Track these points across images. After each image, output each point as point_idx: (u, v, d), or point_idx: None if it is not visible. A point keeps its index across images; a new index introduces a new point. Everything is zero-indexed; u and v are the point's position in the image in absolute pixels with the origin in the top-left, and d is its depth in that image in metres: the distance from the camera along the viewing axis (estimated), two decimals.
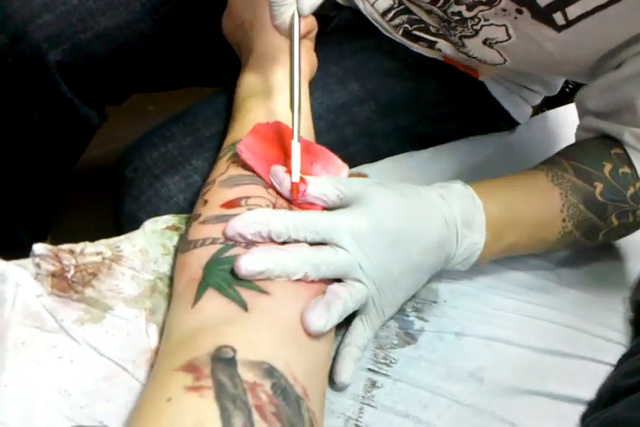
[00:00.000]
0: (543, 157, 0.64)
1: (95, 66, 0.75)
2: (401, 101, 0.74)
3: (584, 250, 0.68)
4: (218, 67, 0.82)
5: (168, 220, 0.54)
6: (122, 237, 0.51)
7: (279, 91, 0.58)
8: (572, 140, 0.68)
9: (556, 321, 0.62)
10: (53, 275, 0.45)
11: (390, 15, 0.72)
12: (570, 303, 0.64)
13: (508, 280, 0.63)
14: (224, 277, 0.44)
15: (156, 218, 0.54)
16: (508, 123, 0.82)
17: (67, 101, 0.75)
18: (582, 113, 0.66)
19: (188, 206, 0.61)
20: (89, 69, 0.75)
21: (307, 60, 0.63)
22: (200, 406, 0.36)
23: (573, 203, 0.57)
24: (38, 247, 0.47)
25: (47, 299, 0.44)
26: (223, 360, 0.38)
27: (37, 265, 0.45)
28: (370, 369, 0.52)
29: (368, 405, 0.50)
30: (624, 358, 0.61)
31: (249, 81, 0.59)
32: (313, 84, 0.66)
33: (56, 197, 0.93)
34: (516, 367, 0.57)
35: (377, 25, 0.75)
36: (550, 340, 0.60)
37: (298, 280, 0.45)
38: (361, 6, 0.75)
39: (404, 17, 0.70)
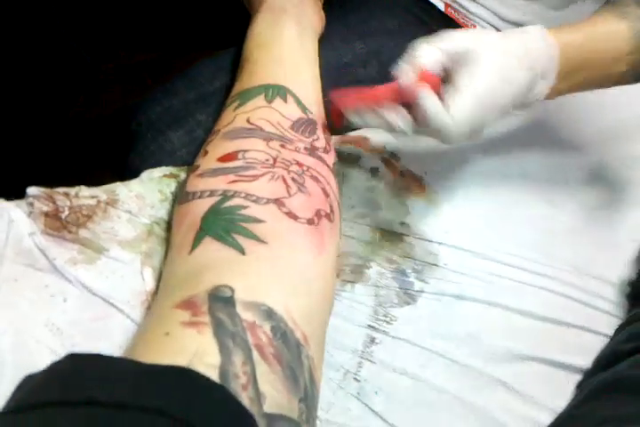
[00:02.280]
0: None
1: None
2: None
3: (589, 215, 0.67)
4: (220, 29, 0.81)
5: (165, 169, 0.53)
6: (117, 183, 0.50)
7: (288, 41, 0.57)
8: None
9: (553, 290, 0.61)
10: (46, 214, 0.44)
11: None
12: (567, 272, 0.64)
13: (508, 241, 0.62)
14: (222, 225, 0.43)
15: (153, 169, 0.53)
16: None
17: (62, 35, 0.74)
18: None
19: (192, 160, 0.60)
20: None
21: (317, 16, 0.62)
22: (198, 341, 0.35)
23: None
24: (32, 189, 0.46)
25: (40, 237, 0.42)
26: (221, 299, 0.37)
27: (30, 204, 0.44)
28: (370, 326, 0.51)
29: (367, 360, 0.49)
30: (621, 328, 0.61)
31: (258, 31, 0.58)
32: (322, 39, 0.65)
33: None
34: (513, 333, 0.57)
35: None
36: (547, 308, 0.60)
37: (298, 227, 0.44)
38: None
39: None
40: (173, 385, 0.31)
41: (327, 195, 0.48)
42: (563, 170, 0.72)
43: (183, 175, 0.52)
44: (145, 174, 0.52)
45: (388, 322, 0.52)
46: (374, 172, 0.61)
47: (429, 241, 0.59)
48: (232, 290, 0.38)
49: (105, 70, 0.86)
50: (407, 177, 0.62)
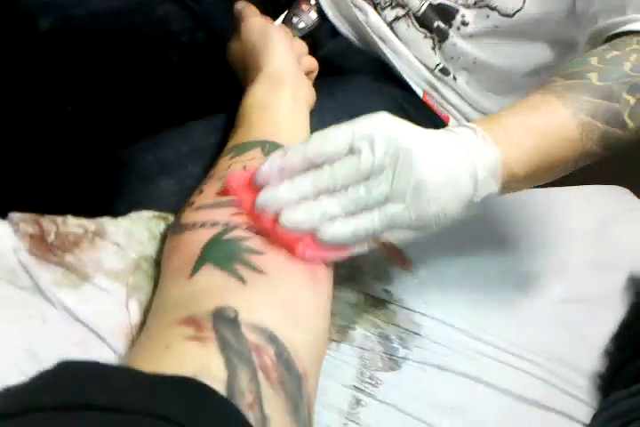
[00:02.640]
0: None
1: (82, 47, 0.75)
2: None
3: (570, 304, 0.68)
4: (208, 94, 0.83)
5: (154, 212, 0.51)
6: (105, 217, 0.48)
7: (284, 107, 0.59)
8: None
9: (534, 374, 0.61)
10: (32, 236, 0.41)
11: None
12: (546, 359, 0.63)
13: (489, 322, 0.61)
14: (224, 255, 0.41)
15: (142, 211, 0.51)
16: None
17: (45, 74, 0.74)
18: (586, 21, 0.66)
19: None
20: (75, 49, 0.74)
21: (309, 90, 0.65)
22: (203, 354, 0.32)
23: (574, 97, 0.52)
24: (15, 215, 0.43)
25: (24, 255, 0.40)
26: (225, 319, 0.35)
27: (16, 224, 0.41)
28: (355, 387, 0.48)
29: (353, 421, 0.46)
30: (595, 416, 0.60)
31: (256, 94, 0.60)
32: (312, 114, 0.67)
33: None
34: (497, 411, 0.55)
35: (376, 39, 0.78)
36: (529, 390, 0.59)
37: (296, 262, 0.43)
38: (362, 18, 0.78)
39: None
40: (179, 394, 0.28)
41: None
42: (537, 262, 0.74)
43: (172, 219, 0.51)
44: (133, 214, 0.50)
45: (373, 385, 0.49)
46: None
47: (412, 311, 0.58)
48: (236, 312, 0.36)
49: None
50: (389, 248, 0.62)
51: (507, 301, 0.66)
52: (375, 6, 0.79)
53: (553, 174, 0.54)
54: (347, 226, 0.43)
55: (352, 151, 0.43)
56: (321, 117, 0.70)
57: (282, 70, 0.62)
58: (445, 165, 0.45)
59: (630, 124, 0.53)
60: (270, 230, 0.42)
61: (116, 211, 0.57)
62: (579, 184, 0.93)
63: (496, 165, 0.47)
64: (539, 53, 0.77)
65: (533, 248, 0.76)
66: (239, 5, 0.70)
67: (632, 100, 0.53)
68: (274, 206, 0.43)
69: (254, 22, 0.66)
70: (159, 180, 0.61)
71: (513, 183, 0.50)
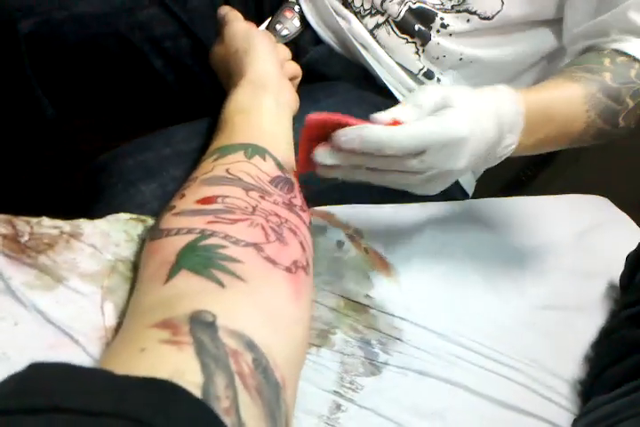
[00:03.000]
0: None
1: (64, 50, 0.74)
2: None
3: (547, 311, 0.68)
4: (191, 99, 0.82)
5: (132, 215, 0.50)
6: (82, 219, 0.47)
7: (267, 111, 0.58)
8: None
9: (513, 379, 0.61)
10: (5, 236, 0.40)
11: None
12: (526, 365, 0.63)
13: (468, 327, 0.61)
14: (200, 261, 0.40)
15: (120, 213, 0.50)
16: (459, 190, 0.85)
17: (25, 78, 0.73)
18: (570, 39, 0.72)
19: None
20: (56, 53, 0.73)
21: (292, 96, 0.65)
22: (178, 358, 0.31)
23: (592, 93, 0.60)
24: None
25: None
26: (203, 323, 0.34)
27: None
28: (336, 391, 0.48)
29: (332, 426, 0.45)
30: (578, 418, 0.60)
31: (239, 99, 0.59)
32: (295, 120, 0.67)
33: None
34: (477, 416, 0.55)
35: (358, 46, 0.78)
36: (509, 396, 0.59)
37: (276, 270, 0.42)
38: (344, 26, 0.79)
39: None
40: (153, 396, 0.27)
41: (304, 249, 0.47)
42: (518, 268, 0.74)
43: (151, 221, 0.50)
44: (110, 216, 0.49)
45: (353, 390, 0.49)
46: (340, 244, 0.60)
47: (392, 315, 0.57)
48: (214, 316, 0.35)
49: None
50: (370, 253, 0.61)
51: (486, 307, 0.66)
52: (355, 15, 0.80)
53: (549, 148, 0.64)
54: None
55: None
56: (302, 123, 0.70)
57: (265, 75, 0.62)
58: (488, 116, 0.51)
59: (622, 124, 0.63)
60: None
61: (96, 215, 0.56)
62: (560, 193, 0.94)
63: (520, 125, 0.54)
64: (523, 44, 0.79)
65: (514, 255, 0.76)
66: (223, 10, 0.70)
67: (631, 104, 0.62)
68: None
69: (238, 27, 0.66)
70: (141, 184, 0.60)
71: (522, 146, 0.56)
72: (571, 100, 0.60)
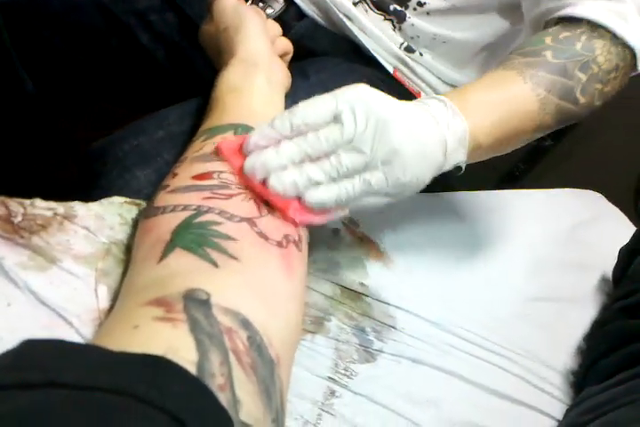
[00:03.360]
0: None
1: (43, 22, 0.72)
2: None
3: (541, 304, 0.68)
4: (180, 77, 0.81)
5: (127, 198, 0.50)
6: (76, 202, 0.46)
7: (258, 91, 0.57)
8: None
9: (507, 369, 0.61)
10: None
11: None
12: (518, 355, 0.63)
13: (462, 316, 0.61)
14: (194, 239, 0.40)
15: (114, 196, 0.50)
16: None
17: (4, 51, 0.71)
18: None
19: None
20: (37, 24, 0.72)
21: (283, 73, 0.64)
22: (172, 335, 0.31)
23: (533, 73, 0.56)
24: None
25: None
26: (197, 300, 0.34)
27: None
28: (330, 378, 0.48)
29: (327, 412, 0.45)
30: (571, 408, 0.60)
31: (230, 78, 0.58)
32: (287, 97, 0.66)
33: None
34: (471, 405, 0.55)
35: (343, 17, 0.77)
36: (502, 385, 0.59)
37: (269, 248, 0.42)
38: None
39: None
40: (147, 371, 0.27)
41: (296, 224, 0.47)
42: (512, 261, 0.74)
43: (145, 205, 0.50)
44: (105, 200, 0.48)
45: (348, 376, 0.48)
46: (335, 232, 0.60)
47: (387, 304, 0.57)
48: (208, 294, 0.35)
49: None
50: (366, 241, 0.61)
51: (480, 297, 0.66)
52: None
53: (512, 145, 0.58)
54: (330, 191, 0.45)
55: (335, 120, 0.45)
56: (294, 99, 0.69)
57: (256, 53, 0.61)
58: (419, 136, 0.47)
59: (581, 99, 0.58)
60: (261, 193, 0.45)
61: (92, 200, 0.55)
62: (553, 188, 0.94)
63: (464, 135, 0.50)
64: (492, 25, 0.78)
65: (508, 247, 0.77)
66: None
67: (583, 78, 0.58)
68: (261, 171, 0.45)
69: (226, 3, 0.64)
70: (136, 170, 0.59)
71: (477, 152, 0.53)
72: (510, 84, 0.55)
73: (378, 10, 0.77)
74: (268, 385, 0.33)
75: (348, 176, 0.46)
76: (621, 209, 0.97)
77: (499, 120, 0.53)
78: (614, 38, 0.59)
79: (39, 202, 0.43)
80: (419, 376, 0.53)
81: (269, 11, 0.78)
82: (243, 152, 0.47)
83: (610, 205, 0.97)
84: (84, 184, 0.61)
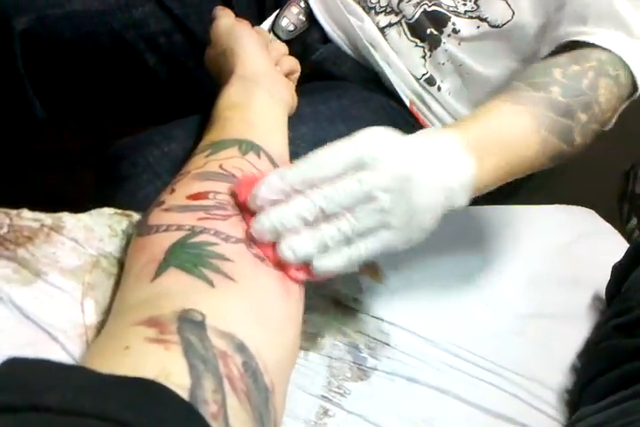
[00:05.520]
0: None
1: (57, 48, 0.72)
2: None
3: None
4: (186, 97, 0.81)
5: (117, 210, 0.48)
6: (65, 212, 0.45)
7: (260, 107, 0.57)
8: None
9: (502, 388, 0.60)
10: None
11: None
12: (514, 373, 0.62)
13: (457, 334, 0.60)
14: (189, 259, 0.38)
15: (103, 208, 0.48)
16: None
17: (17, 78, 0.71)
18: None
19: None
20: (49, 50, 0.72)
21: (288, 92, 0.63)
22: (165, 358, 0.29)
23: (540, 112, 0.55)
24: None
25: None
26: (191, 321, 0.32)
27: None
28: (323, 396, 0.46)
29: None
30: None
31: (230, 95, 0.58)
32: (302, 119, 0.67)
33: None
34: (464, 424, 0.54)
35: (368, 45, 0.77)
36: (498, 404, 0.58)
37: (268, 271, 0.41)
38: (356, 24, 0.78)
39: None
40: (136, 396, 0.25)
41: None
42: (505, 277, 0.73)
43: (136, 216, 0.48)
44: (94, 211, 0.47)
45: (341, 395, 0.47)
46: None
47: (381, 320, 0.56)
48: (203, 315, 0.33)
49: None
50: None
51: (474, 314, 0.65)
52: (369, 10, 0.79)
53: (505, 182, 0.57)
54: (342, 257, 0.42)
55: (354, 171, 0.42)
56: (317, 123, 0.70)
57: (255, 71, 0.60)
58: (437, 196, 0.45)
59: (577, 140, 0.58)
60: (266, 254, 0.42)
61: (118, 205, 0.53)
62: (547, 204, 0.94)
63: (471, 181, 0.48)
64: (511, 66, 0.77)
65: (501, 263, 0.76)
66: (215, 9, 0.68)
67: (584, 119, 0.58)
68: (271, 235, 0.41)
69: (222, 25, 0.65)
70: (168, 177, 0.56)
71: (475, 192, 0.51)
72: (519, 124, 0.55)
73: (412, 35, 0.77)
74: (262, 413, 0.32)
75: (362, 235, 0.43)
76: (613, 225, 0.97)
77: (502, 163, 0.53)
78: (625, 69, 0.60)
79: (26, 212, 0.42)
80: (413, 395, 0.52)
81: (291, 28, 0.78)
82: (249, 204, 0.43)
83: (602, 221, 0.97)
84: (107, 184, 0.60)
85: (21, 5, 0.70)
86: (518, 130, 0.54)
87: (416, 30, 0.77)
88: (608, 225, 0.97)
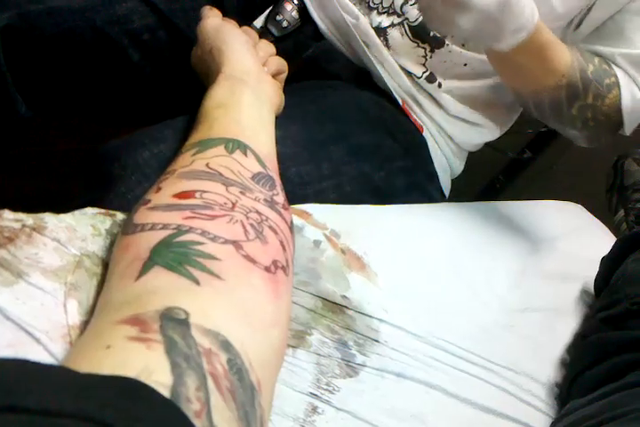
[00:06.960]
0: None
1: (39, 45, 0.71)
2: (367, 149, 0.75)
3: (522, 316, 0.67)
4: (171, 94, 0.80)
5: (100, 209, 0.48)
6: (47, 213, 0.44)
7: (246, 106, 0.56)
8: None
9: (491, 382, 0.60)
10: None
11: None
12: (503, 368, 0.62)
13: (446, 329, 0.60)
14: (174, 257, 0.38)
15: (87, 207, 0.48)
16: (437, 190, 0.85)
17: (0, 74, 0.70)
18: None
19: None
20: (31, 47, 0.71)
21: (274, 92, 0.63)
22: (147, 356, 0.29)
23: (574, 66, 0.67)
24: None
25: None
26: (174, 320, 0.32)
27: None
28: (312, 393, 0.46)
29: None
30: (556, 421, 0.60)
31: (218, 94, 0.57)
32: (291, 118, 0.66)
33: None
34: (454, 419, 0.54)
35: (362, 44, 0.77)
36: (486, 399, 0.58)
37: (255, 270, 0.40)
38: (350, 22, 0.77)
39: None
40: (118, 395, 0.25)
41: (284, 248, 0.45)
42: (495, 271, 0.73)
43: (120, 216, 0.48)
44: (77, 211, 0.46)
45: (330, 392, 0.47)
46: (317, 244, 0.58)
47: (370, 317, 0.56)
48: (187, 313, 0.33)
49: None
50: (348, 254, 0.60)
51: (464, 309, 0.65)
52: (371, 10, 0.79)
53: (536, 70, 0.67)
54: None
55: None
56: (305, 123, 0.69)
57: (242, 70, 0.60)
58: None
59: (574, 112, 0.70)
60: None
61: (108, 206, 0.52)
62: (536, 199, 0.94)
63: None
64: None
65: (491, 258, 0.76)
66: (203, 9, 0.68)
67: (590, 100, 0.69)
68: None
69: (209, 24, 0.64)
70: (157, 178, 0.57)
71: (527, 44, 0.61)
72: (564, 56, 0.66)
73: (414, 36, 0.77)
74: (248, 412, 0.31)
75: None
76: (602, 220, 0.98)
77: (551, 39, 0.64)
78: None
79: (7, 213, 0.41)
80: (403, 391, 0.52)
81: (285, 24, 0.78)
82: None
83: (590, 216, 0.97)
84: (97, 185, 0.59)
85: (2, 1, 0.69)
86: (562, 45, 0.66)
87: (419, 33, 0.76)
88: (596, 220, 0.97)
